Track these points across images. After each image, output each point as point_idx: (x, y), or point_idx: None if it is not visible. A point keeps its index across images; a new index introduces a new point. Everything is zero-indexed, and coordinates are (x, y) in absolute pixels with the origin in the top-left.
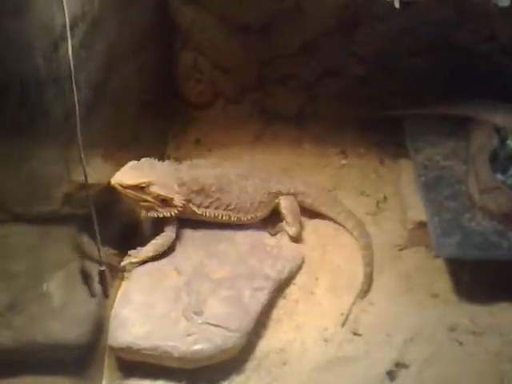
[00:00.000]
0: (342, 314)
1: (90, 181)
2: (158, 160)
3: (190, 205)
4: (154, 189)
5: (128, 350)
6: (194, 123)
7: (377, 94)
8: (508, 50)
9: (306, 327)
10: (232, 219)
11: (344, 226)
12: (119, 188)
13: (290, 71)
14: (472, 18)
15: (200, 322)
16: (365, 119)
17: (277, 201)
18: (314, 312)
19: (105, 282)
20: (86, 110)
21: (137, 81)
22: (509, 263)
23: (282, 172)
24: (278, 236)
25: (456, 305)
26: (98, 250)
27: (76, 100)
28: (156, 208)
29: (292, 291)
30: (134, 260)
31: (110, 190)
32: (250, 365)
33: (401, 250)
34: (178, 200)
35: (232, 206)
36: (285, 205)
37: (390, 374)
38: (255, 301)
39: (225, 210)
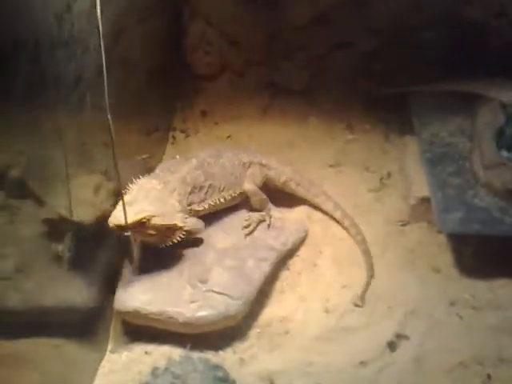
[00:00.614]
0: (343, 287)
1: None
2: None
3: (192, 207)
4: (156, 221)
5: (134, 314)
6: (200, 95)
7: (385, 70)
8: None
9: (309, 298)
10: (227, 199)
11: (322, 209)
12: (119, 229)
13: (298, 44)
14: None
15: (204, 289)
16: (372, 94)
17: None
18: (317, 283)
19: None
20: (96, 73)
21: (145, 50)
22: (511, 239)
23: (287, 145)
24: (282, 209)
25: (457, 280)
26: None
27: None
28: (164, 238)
29: (295, 263)
30: None
31: None
32: (253, 332)
33: (403, 225)
34: (181, 221)
35: (222, 186)
36: (247, 188)
37: (391, 345)
38: (258, 271)
39: (219, 192)
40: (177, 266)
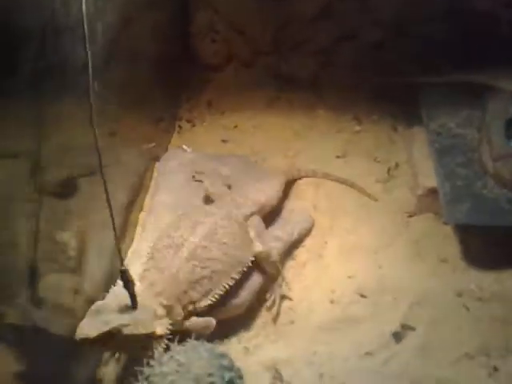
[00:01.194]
0: (349, 278)
1: None
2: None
3: (196, 306)
4: (128, 330)
5: None
6: (207, 85)
7: (392, 61)
8: None
9: (314, 288)
10: (240, 276)
11: None
12: (86, 343)
13: (305, 35)
14: None
15: None
16: (379, 86)
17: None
18: (322, 274)
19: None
20: (103, 62)
21: (152, 39)
22: None
23: (294, 136)
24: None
25: (464, 271)
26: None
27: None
28: (146, 348)
29: (301, 253)
30: None
31: None
32: (259, 322)
33: (410, 216)
34: (161, 329)
35: (228, 266)
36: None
37: (396, 336)
38: None
39: (227, 276)
40: None
